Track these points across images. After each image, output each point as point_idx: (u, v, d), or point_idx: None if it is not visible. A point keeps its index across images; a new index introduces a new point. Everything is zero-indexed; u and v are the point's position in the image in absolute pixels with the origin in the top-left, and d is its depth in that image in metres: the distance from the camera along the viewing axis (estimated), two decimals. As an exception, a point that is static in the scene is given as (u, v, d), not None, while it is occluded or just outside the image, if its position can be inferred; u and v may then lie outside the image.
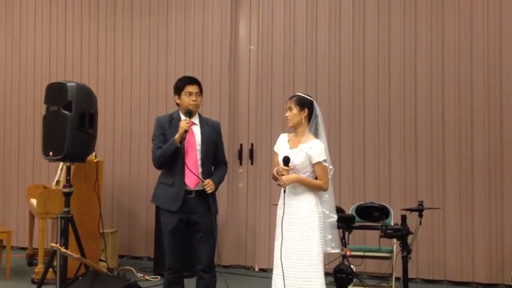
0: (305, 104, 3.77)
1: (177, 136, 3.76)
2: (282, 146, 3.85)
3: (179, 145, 3.76)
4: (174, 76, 5.66)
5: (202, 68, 6.46)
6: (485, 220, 5.54)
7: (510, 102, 5.54)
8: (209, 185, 3.81)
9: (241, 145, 6.36)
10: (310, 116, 3.79)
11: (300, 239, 3.67)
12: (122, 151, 6.79)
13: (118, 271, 5.75)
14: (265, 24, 6.33)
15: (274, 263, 3.75)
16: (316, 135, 3.80)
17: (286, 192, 3.73)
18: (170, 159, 3.79)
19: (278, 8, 6.31)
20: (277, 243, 3.76)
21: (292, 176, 3.67)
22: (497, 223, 5.51)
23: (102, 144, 6.59)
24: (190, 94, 3.87)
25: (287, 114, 3.80)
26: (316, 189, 3.73)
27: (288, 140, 3.84)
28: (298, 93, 3.89)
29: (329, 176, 3.77)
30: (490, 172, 5.54)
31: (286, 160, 3.66)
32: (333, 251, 3.88)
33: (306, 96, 3.84)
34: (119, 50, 6.90)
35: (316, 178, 3.73)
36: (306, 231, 3.67)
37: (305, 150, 3.71)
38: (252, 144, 6.33)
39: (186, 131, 3.75)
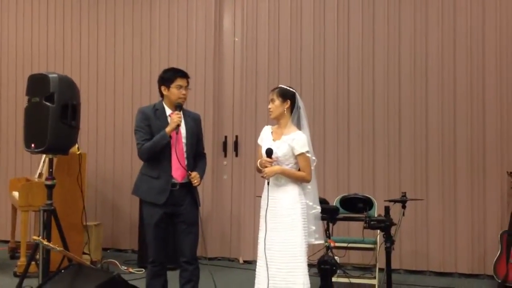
0: (287, 96, 3.79)
1: (168, 129, 3.75)
2: (266, 138, 3.86)
3: (170, 139, 3.74)
4: (158, 68, 5.62)
5: (187, 59, 6.42)
6: (467, 211, 5.60)
7: (492, 95, 5.59)
8: (196, 178, 3.81)
9: (225, 137, 6.34)
10: (292, 107, 3.82)
11: (283, 230, 3.69)
12: (106, 143, 6.74)
13: (101, 264, 5.72)
14: (250, 16, 6.31)
15: (258, 255, 3.77)
16: (299, 126, 3.83)
17: (270, 184, 3.75)
18: (159, 152, 3.77)
19: (262, 0, 6.28)
20: (261, 234, 3.78)
21: (275, 168, 3.69)
22: (480, 214, 5.57)
23: (85, 136, 6.55)
24: (180, 87, 3.85)
25: (269, 106, 3.81)
26: (299, 181, 3.75)
27: (272, 132, 3.87)
28: (280, 85, 3.91)
29: (312, 167, 3.79)
30: (473, 163, 5.60)
31: (269, 152, 3.69)
32: (316, 242, 3.91)
33: (288, 88, 3.85)
34: (102, 41, 6.83)
35: (299, 169, 3.75)
36: (289, 223, 3.69)
37: (288, 142, 3.73)
38: (236, 136, 6.31)
39: (178, 125, 3.75)
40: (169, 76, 3.88)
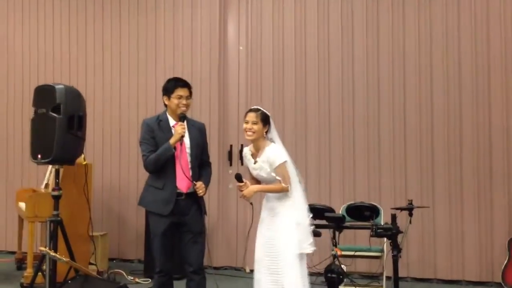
0: (267, 121, 3.89)
1: (172, 140, 3.76)
2: (249, 161, 3.95)
3: (175, 150, 3.75)
4: (164, 77, 5.59)
5: (192, 68, 6.45)
6: (474, 218, 5.57)
7: (498, 103, 5.58)
8: (201, 188, 3.82)
9: (231, 146, 6.35)
10: (267, 131, 3.89)
11: (276, 239, 3.78)
12: (112, 154, 6.76)
13: (108, 274, 5.72)
14: (254, 25, 6.34)
15: (256, 260, 3.86)
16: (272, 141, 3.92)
17: (267, 195, 3.89)
18: (164, 163, 3.78)
19: (267, 9, 6.32)
20: (258, 241, 3.88)
21: (252, 188, 3.81)
22: (487, 222, 5.54)
23: (91, 146, 6.56)
24: (180, 97, 3.86)
25: (250, 127, 3.83)
26: (279, 192, 3.82)
27: (252, 154, 3.94)
28: (259, 108, 3.94)
29: (295, 177, 3.85)
30: (479, 170, 5.58)
31: (238, 177, 3.82)
32: (306, 251, 3.89)
33: (266, 112, 3.91)
34: (107, 51, 6.87)
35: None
36: (284, 233, 3.77)
37: (265, 161, 3.81)
38: (242, 145, 6.32)
39: (183, 136, 3.77)
40: (170, 86, 3.90)
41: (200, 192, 3.81)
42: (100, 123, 6.77)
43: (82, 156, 4.86)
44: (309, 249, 3.84)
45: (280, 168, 3.79)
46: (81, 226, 5.30)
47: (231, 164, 6.34)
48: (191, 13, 6.55)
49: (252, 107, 3.97)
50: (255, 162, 3.87)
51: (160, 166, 3.79)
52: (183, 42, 6.57)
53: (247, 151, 3.98)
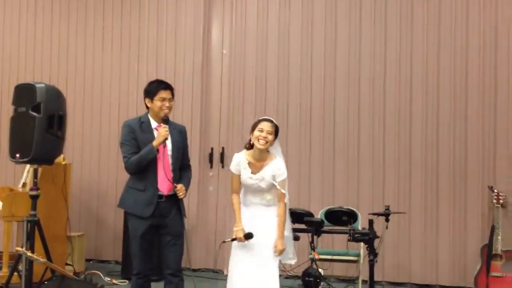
0: (277, 134, 3.95)
1: (155, 143, 3.76)
2: (243, 170, 3.95)
3: (157, 152, 3.76)
4: (146, 79, 5.64)
5: (174, 71, 6.45)
6: (449, 224, 5.68)
7: (475, 113, 5.70)
8: (181, 191, 3.83)
9: (212, 148, 6.36)
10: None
11: (260, 246, 3.83)
12: (91, 154, 6.71)
13: (85, 275, 5.67)
14: (238, 29, 6.37)
15: (235, 268, 3.88)
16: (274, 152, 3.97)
17: (254, 202, 3.94)
18: (146, 166, 3.78)
19: (251, 13, 6.35)
20: (237, 250, 3.91)
21: (280, 242, 3.85)
22: (461, 228, 5.65)
23: (71, 146, 6.51)
24: (163, 99, 3.86)
25: (266, 136, 3.87)
26: (284, 216, 3.91)
27: (249, 163, 3.94)
28: (273, 120, 3.98)
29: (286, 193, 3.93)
30: (455, 177, 5.69)
31: (250, 237, 3.85)
32: (289, 262, 4.07)
33: (277, 124, 3.98)
34: (89, 52, 6.82)
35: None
36: (267, 243, 3.84)
37: (269, 175, 3.87)
38: (223, 148, 6.34)
39: (166, 139, 3.77)
40: (152, 89, 3.89)
41: (181, 194, 3.82)
42: (81, 123, 6.72)
43: (62, 156, 4.82)
44: (293, 260, 3.96)
45: (283, 182, 3.89)
46: (59, 226, 5.26)
47: (211, 167, 6.35)
48: (175, 16, 6.56)
49: (266, 117, 4.03)
50: (253, 172, 3.90)
51: (142, 168, 3.78)
52: (167, 44, 6.56)
53: (242, 159, 3.97)
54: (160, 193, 3.79)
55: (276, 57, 6.23)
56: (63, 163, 5.31)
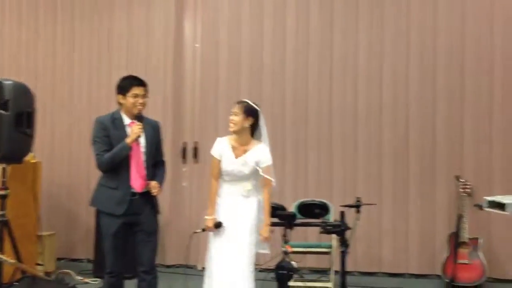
0: (250, 113, 3.87)
1: (129, 140, 3.72)
2: (225, 154, 3.90)
3: (131, 150, 3.72)
4: (117, 75, 5.53)
5: (146, 65, 6.40)
6: (418, 214, 5.81)
7: (441, 102, 5.82)
8: (155, 188, 3.80)
9: (185, 143, 6.34)
10: (254, 124, 3.90)
11: (237, 239, 3.83)
12: (62, 151, 6.63)
13: (56, 274, 5.61)
14: (210, 22, 6.34)
15: (211, 261, 3.89)
16: (258, 138, 3.94)
17: (232, 192, 3.90)
18: (118, 163, 3.75)
19: (223, 6, 6.33)
20: (215, 241, 3.89)
21: (265, 229, 3.87)
22: (429, 217, 5.79)
23: (40, 143, 6.38)
24: (136, 96, 3.81)
25: (232, 118, 3.86)
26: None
27: (232, 148, 3.91)
28: (245, 100, 3.96)
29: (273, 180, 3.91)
30: (423, 168, 5.82)
31: (218, 226, 3.86)
32: (262, 251, 4.04)
33: (253, 104, 3.91)
34: (59, 46, 6.72)
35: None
36: (244, 233, 3.84)
37: (253, 160, 3.83)
38: (196, 143, 6.33)
39: (139, 136, 3.74)
40: (125, 85, 3.84)
41: (155, 191, 3.80)
42: (50, 119, 6.63)
43: (31, 154, 4.74)
44: (267, 250, 3.98)
45: (268, 169, 3.85)
46: (29, 226, 5.18)
47: (185, 162, 6.34)
48: (146, 9, 6.50)
49: (240, 100, 3.98)
50: (235, 157, 3.86)
51: (115, 165, 3.75)
52: (138, 38, 6.51)
53: (225, 144, 3.93)
54: (133, 190, 3.76)
55: (249, 49, 6.23)
56: (33, 161, 5.22)
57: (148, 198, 3.83)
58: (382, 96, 5.95)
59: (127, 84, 3.84)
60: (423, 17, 5.89)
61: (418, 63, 5.88)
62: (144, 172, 3.79)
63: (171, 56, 6.38)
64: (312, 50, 6.11)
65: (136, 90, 3.81)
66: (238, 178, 3.88)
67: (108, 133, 3.78)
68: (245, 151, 3.85)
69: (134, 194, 3.77)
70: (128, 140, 3.73)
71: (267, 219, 3.86)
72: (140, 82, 3.87)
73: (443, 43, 5.83)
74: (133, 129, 3.76)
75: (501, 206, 1.67)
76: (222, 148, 3.93)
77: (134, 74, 4.04)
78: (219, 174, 3.94)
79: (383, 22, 5.97)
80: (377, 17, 5.98)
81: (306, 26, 6.14)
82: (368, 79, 5.99)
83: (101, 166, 3.79)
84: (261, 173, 3.82)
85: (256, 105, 3.96)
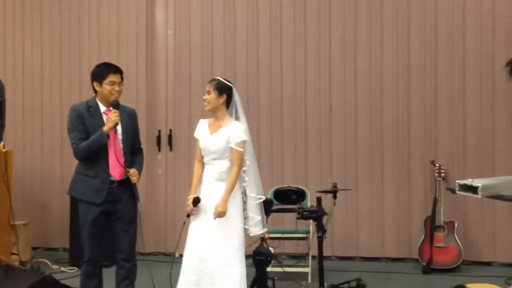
0: (223, 90, 3.83)
1: (106, 128, 3.67)
2: (203, 131, 3.89)
3: (108, 138, 3.67)
4: (88, 61, 5.51)
5: (117, 52, 6.29)
6: (394, 198, 5.86)
7: (416, 87, 5.84)
8: (134, 175, 3.76)
9: (159, 131, 6.29)
10: (229, 101, 3.87)
11: (220, 224, 3.73)
12: (34, 140, 6.50)
13: (31, 264, 5.54)
14: (183, 8, 6.26)
15: (189, 248, 3.80)
16: (237, 119, 3.89)
17: (209, 178, 3.82)
18: (96, 151, 3.69)
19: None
20: (194, 227, 3.82)
21: (221, 204, 3.70)
22: (405, 202, 5.85)
23: (12, 133, 6.27)
24: (113, 83, 3.75)
25: (205, 97, 3.85)
26: (236, 181, 3.79)
27: (208, 125, 3.90)
28: (217, 78, 3.94)
29: (247, 157, 3.85)
30: (399, 153, 5.86)
31: (197, 201, 3.76)
32: (261, 231, 3.99)
33: (225, 81, 3.89)
34: (28, 35, 6.56)
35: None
36: (227, 215, 3.74)
37: (225, 134, 3.79)
38: (170, 130, 6.28)
39: (117, 124, 3.68)
40: (101, 72, 3.78)
41: (134, 179, 3.76)
42: (21, 108, 6.49)
43: (2, 143, 4.65)
44: (264, 229, 3.96)
45: (241, 145, 3.79)
46: (1, 216, 5.09)
47: (159, 150, 6.28)
48: (117, -4, 6.38)
49: (212, 78, 3.94)
50: (211, 133, 3.82)
51: (92, 153, 3.70)
52: (109, 24, 6.38)
53: (204, 122, 3.92)
54: (112, 178, 3.72)
55: (222, 35, 6.18)
56: (4, 150, 5.12)
57: (127, 186, 3.78)
58: (357, 83, 5.95)
59: (103, 71, 3.78)
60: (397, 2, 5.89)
61: (391, 49, 5.88)
62: (122, 159, 3.74)
63: (142, 43, 6.29)
64: (284, 33, 6.07)
65: (113, 77, 3.76)
66: (213, 156, 3.80)
67: (84, 121, 3.71)
68: (220, 127, 3.83)
69: (113, 182, 3.72)
70: (105, 128, 3.68)
71: (226, 195, 3.73)
72: (116, 69, 3.81)
73: (416, 27, 5.83)
74: (110, 117, 3.70)
75: (473, 189, 1.66)
76: (201, 128, 3.92)
77: (106, 61, 3.96)
78: (201, 156, 3.90)
79: (357, 8, 5.94)
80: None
81: (279, 8, 6.08)
82: (342, 66, 5.98)
83: (77, 155, 3.74)
84: (230, 145, 3.76)
85: (229, 81, 3.93)
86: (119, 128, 3.77)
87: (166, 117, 6.30)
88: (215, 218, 3.70)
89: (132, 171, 3.76)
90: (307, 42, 6.04)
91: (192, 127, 4.01)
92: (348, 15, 5.97)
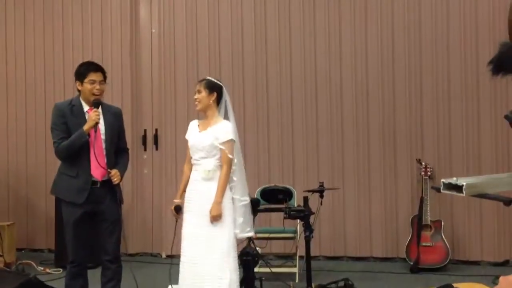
0: (214, 88, 3.84)
1: (86, 127, 3.62)
2: (192, 131, 3.89)
3: (88, 137, 3.62)
4: (72, 61, 5.44)
5: (102, 51, 6.23)
6: (381, 198, 5.86)
7: (401, 86, 5.84)
8: (115, 176, 3.72)
9: (145, 130, 6.24)
10: (219, 100, 3.86)
11: (210, 225, 3.71)
12: (18, 139, 6.43)
13: (16, 265, 5.48)
14: (167, 7, 6.22)
15: (182, 251, 3.77)
16: (226, 118, 3.88)
17: (196, 178, 3.79)
18: (77, 151, 3.65)
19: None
20: (186, 230, 3.78)
21: (215, 207, 3.68)
22: (392, 202, 5.85)
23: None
24: (93, 82, 3.72)
25: (196, 97, 3.85)
26: (227, 180, 3.76)
27: (198, 125, 3.90)
28: (208, 77, 3.96)
29: (234, 157, 3.81)
30: (385, 152, 5.86)
31: (178, 209, 3.80)
32: (247, 235, 3.97)
33: (215, 80, 3.90)
34: (10, 33, 6.48)
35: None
36: (207, 220, 3.71)
37: (213, 132, 3.78)
38: (156, 130, 6.24)
39: (97, 123, 3.64)
40: (82, 71, 3.76)
41: (115, 180, 3.72)
42: (4, 107, 6.42)
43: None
44: (251, 232, 3.94)
45: (229, 144, 3.76)
46: (-15, 217, 5.02)
47: (145, 149, 6.24)
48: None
49: (202, 78, 3.95)
50: (200, 131, 3.81)
51: (73, 153, 3.66)
52: (93, 24, 6.32)
53: (194, 122, 3.93)
54: (93, 179, 3.68)
55: (206, 33, 6.15)
56: (-13, 150, 5.05)
57: (110, 187, 3.74)
58: (342, 81, 5.94)
59: (84, 70, 3.76)
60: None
61: (376, 50, 5.88)
62: (104, 160, 3.71)
63: (127, 42, 6.24)
64: (269, 32, 6.05)
65: (93, 76, 3.73)
66: (200, 154, 3.77)
67: (66, 120, 3.69)
68: (209, 125, 3.83)
69: (95, 182, 3.69)
70: (85, 127, 3.64)
71: (218, 196, 3.70)
72: (97, 68, 3.79)
73: (401, 28, 5.84)
74: (90, 116, 3.67)
75: (458, 188, 1.65)
76: (191, 128, 3.92)
77: (90, 60, 3.92)
78: (190, 158, 3.87)
79: (340, 11, 5.94)
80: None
81: (263, 3, 6.06)
82: (327, 66, 5.96)
83: (58, 154, 3.72)
84: (217, 143, 3.73)
85: (219, 81, 3.95)
86: (102, 127, 3.74)
87: (152, 117, 6.26)
88: (211, 222, 3.69)
89: (114, 171, 3.72)
90: (292, 40, 6.03)
91: (178, 126, 4.00)
92: (333, 11, 5.95)
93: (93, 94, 3.71)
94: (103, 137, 3.74)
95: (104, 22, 6.31)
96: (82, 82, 3.73)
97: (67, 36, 6.37)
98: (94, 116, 3.65)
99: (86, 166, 3.66)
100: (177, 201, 3.87)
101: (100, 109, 3.75)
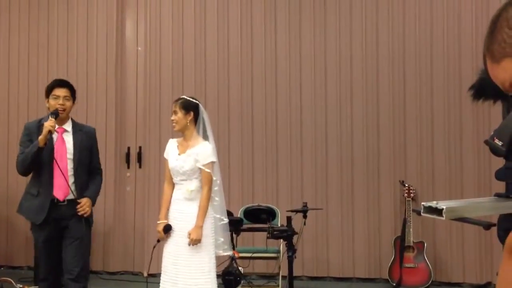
0: (190, 108, 3.79)
1: (41, 137, 3.54)
2: (171, 152, 3.84)
3: (42, 146, 3.53)
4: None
5: (87, 69, 6.20)
6: (364, 218, 5.87)
7: (385, 108, 5.91)
8: (82, 210, 3.64)
9: (128, 148, 6.20)
10: (196, 119, 3.82)
11: (191, 248, 3.68)
12: (-1, 155, 6.35)
13: (-6, 283, 5.37)
14: (153, 25, 6.24)
15: (163, 270, 3.73)
16: (205, 137, 3.84)
17: (179, 197, 3.75)
18: (33, 163, 3.59)
19: (166, 8, 6.23)
20: (167, 249, 3.74)
21: (196, 231, 3.64)
22: (375, 221, 5.86)
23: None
24: (57, 97, 3.69)
25: (172, 118, 3.81)
26: (208, 202, 3.73)
27: (177, 145, 3.85)
28: (183, 96, 3.91)
29: (216, 178, 3.79)
30: (368, 173, 5.89)
31: (168, 229, 3.71)
32: (225, 253, 3.97)
33: (191, 99, 3.85)
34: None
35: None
36: (205, 236, 3.70)
37: (193, 156, 3.73)
38: (140, 147, 6.20)
39: (50, 132, 3.54)
40: (48, 87, 3.77)
41: (82, 212, 3.64)
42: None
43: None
44: (228, 251, 3.94)
45: (210, 166, 3.73)
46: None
47: (128, 167, 6.19)
48: (86, 11, 6.31)
49: (178, 98, 3.89)
50: (179, 154, 3.76)
51: (28, 166, 3.61)
52: (78, 41, 6.30)
53: (173, 142, 3.86)
54: (55, 198, 3.61)
55: (192, 52, 6.16)
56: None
57: (77, 205, 3.66)
58: (327, 101, 5.98)
59: (50, 86, 3.76)
60: (368, 16, 5.97)
61: (361, 71, 5.94)
62: (67, 180, 3.63)
63: (112, 60, 6.22)
64: (255, 51, 6.09)
65: (57, 92, 3.71)
66: (181, 177, 3.75)
67: (32, 138, 3.64)
68: (188, 147, 3.78)
69: (58, 201, 3.62)
70: (40, 137, 3.54)
71: (199, 220, 3.66)
72: (61, 83, 3.76)
73: (385, 46, 5.90)
74: (44, 125, 3.56)
75: (438, 211, 1.65)
76: (170, 148, 3.86)
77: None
78: (170, 176, 3.84)
79: (326, 21, 5.99)
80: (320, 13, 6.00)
81: (249, 25, 6.11)
82: (313, 85, 6.00)
83: (17, 167, 3.71)
84: (199, 165, 3.70)
85: (195, 99, 3.88)
86: (70, 146, 3.69)
87: (136, 134, 6.23)
88: (189, 245, 3.64)
89: (82, 203, 3.65)
90: (277, 58, 6.07)
91: (162, 144, 3.97)
92: (319, 31, 6.01)
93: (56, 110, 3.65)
94: (69, 156, 3.68)
95: (89, 38, 6.29)
96: (48, 98, 3.73)
97: (51, 53, 6.33)
98: (47, 124, 3.54)
99: (48, 185, 3.61)
100: (165, 221, 3.79)
101: (70, 128, 3.71)
